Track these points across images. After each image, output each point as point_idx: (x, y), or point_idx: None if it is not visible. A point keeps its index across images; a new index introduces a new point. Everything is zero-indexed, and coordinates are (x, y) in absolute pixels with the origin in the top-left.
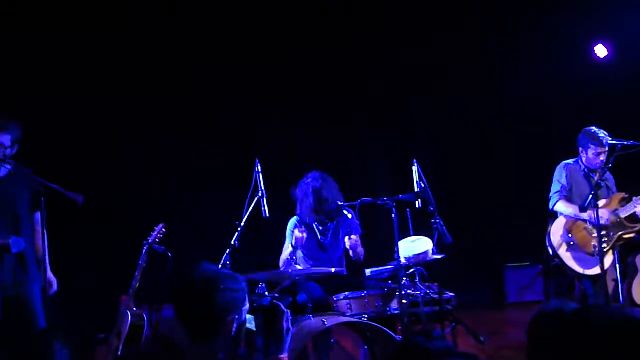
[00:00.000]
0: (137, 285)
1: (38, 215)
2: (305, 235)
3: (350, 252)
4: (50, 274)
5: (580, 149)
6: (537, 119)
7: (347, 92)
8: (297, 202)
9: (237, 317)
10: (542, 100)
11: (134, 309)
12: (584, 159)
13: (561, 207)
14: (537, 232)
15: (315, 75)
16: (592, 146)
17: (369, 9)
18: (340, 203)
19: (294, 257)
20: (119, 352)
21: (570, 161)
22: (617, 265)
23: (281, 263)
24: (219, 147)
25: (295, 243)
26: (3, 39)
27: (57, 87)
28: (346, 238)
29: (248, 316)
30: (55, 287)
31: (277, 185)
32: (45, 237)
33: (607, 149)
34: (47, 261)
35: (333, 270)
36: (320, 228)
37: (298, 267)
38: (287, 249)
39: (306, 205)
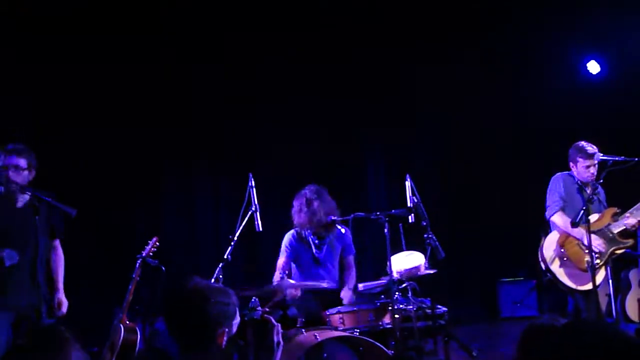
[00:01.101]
0: (131, 298)
1: (57, 242)
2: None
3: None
4: (62, 295)
5: (571, 163)
6: (531, 133)
7: (343, 102)
8: (293, 214)
9: (227, 330)
10: (536, 114)
11: (127, 322)
12: (575, 173)
13: (557, 219)
14: (531, 247)
15: (312, 86)
16: (580, 159)
17: (366, 20)
18: (333, 218)
19: (287, 272)
20: None
21: (564, 173)
22: (610, 280)
23: (275, 277)
24: (213, 160)
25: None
26: None
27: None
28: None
29: None
30: (64, 309)
31: (270, 199)
32: (62, 257)
33: (595, 161)
34: (61, 282)
35: (325, 284)
36: (317, 241)
37: (291, 281)
38: (281, 261)
39: (301, 217)
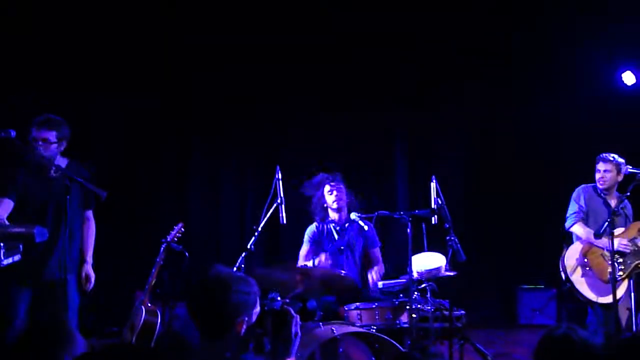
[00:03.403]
0: (153, 281)
1: (90, 213)
2: (329, 261)
3: (372, 276)
4: (89, 269)
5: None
6: (558, 142)
7: (371, 102)
8: (312, 203)
9: (246, 318)
10: (564, 124)
11: (149, 304)
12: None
13: (577, 229)
14: (553, 255)
15: (338, 83)
16: (596, 166)
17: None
18: (357, 214)
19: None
20: None
21: (589, 185)
22: (632, 294)
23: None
24: (241, 151)
25: (318, 264)
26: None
27: (78, 82)
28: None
29: None
30: (91, 283)
31: (295, 192)
32: (93, 229)
33: (608, 166)
34: (90, 255)
35: (343, 272)
36: (337, 228)
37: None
38: (304, 250)
39: (319, 205)
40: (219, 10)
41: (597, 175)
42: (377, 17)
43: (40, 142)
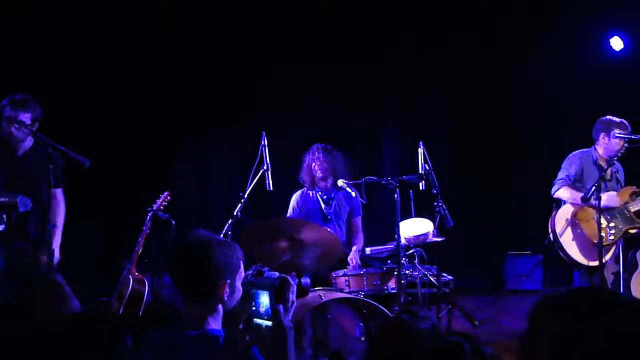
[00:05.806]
0: (140, 251)
1: (57, 190)
2: None
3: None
4: (55, 247)
5: (602, 134)
6: (546, 108)
7: (357, 66)
8: (301, 169)
9: (229, 281)
10: (552, 89)
11: (136, 274)
12: (601, 148)
13: (563, 193)
14: (540, 221)
15: (330, 49)
16: (616, 130)
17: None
18: (344, 181)
19: None
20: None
21: (583, 150)
22: (621, 259)
23: None
24: (227, 117)
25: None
26: None
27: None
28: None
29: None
30: (55, 260)
31: (282, 158)
32: (61, 207)
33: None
34: (59, 236)
35: (329, 230)
36: (324, 197)
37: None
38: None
39: (309, 173)
40: None
41: (620, 143)
42: None
43: (15, 125)
